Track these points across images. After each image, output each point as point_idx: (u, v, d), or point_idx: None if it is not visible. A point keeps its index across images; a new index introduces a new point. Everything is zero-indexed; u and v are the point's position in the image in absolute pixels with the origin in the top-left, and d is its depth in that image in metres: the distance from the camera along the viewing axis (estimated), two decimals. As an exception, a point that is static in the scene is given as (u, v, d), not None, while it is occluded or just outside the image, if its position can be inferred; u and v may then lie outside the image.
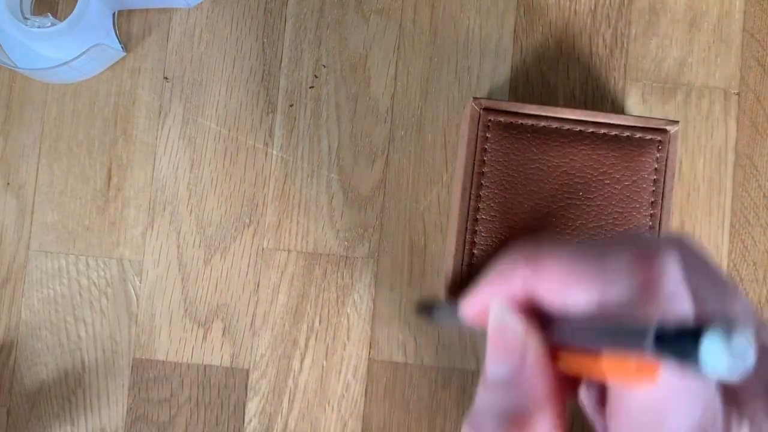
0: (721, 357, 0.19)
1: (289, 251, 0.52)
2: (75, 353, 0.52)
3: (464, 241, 0.45)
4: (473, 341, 0.51)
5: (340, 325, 0.52)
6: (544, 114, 0.45)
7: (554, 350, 0.27)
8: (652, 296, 0.24)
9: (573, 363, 0.26)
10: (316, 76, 0.53)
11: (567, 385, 0.28)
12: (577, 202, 0.45)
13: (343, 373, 0.52)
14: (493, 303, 0.29)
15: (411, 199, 0.52)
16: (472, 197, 0.45)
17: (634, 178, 0.45)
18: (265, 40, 0.53)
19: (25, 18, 0.52)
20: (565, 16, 0.53)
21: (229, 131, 0.53)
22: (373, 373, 0.52)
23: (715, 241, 0.51)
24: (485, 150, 0.45)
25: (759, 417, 0.25)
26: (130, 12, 0.54)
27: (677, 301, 0.24)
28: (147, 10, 0.54)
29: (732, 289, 0.27)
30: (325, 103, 0.53)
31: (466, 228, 0.45)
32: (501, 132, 0.45)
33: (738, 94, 0.53)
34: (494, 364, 0.28)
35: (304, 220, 0.52)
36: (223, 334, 0.52)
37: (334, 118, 0.53)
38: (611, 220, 0.45)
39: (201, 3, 0.54)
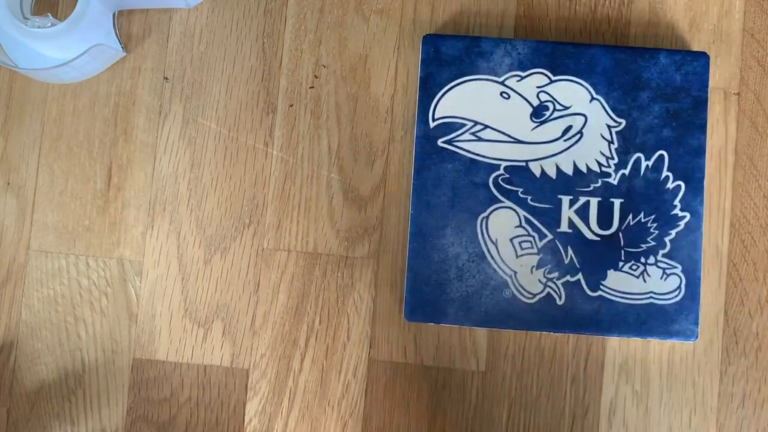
0: None
1: (289, 251, 0.52)
2: (75, 353, 0.52)
3: None
4: (473, 341, 0.51)
5: (340, 325, 0.52)
6: None
7: None
8: None
9: None
10: (316, 76, 0.53)
11: None
12: None
13: (343, 373, 0.52)
14: None
15: (411, 199, 0.52)
16: None
17: None
18: (265, 40, 0.53)
19: (25, 18, 0.52)
20: (565, 16, 0.53)
21: (229, 131, 0.53)
22: (373, 373, 0.52)
23: (715, 241, 0.51)
24: None
25: None
26: (130, 12, 0.54)
27: None
28: (147, 11, 0.54)
29: None
30: (325, 103, 0.53)
31: None
32: None
33: (738, 94, 0.53)
34: None
35: (304, 220, 0.52)
36: (223, 334, 0.52)
37: (334, 118, 0.53)
38: None
39: (201, 3, 0.54)
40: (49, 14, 0.51)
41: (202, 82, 0.53)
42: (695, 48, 0.53)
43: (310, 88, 0.53)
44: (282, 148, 0.53)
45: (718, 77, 0.53)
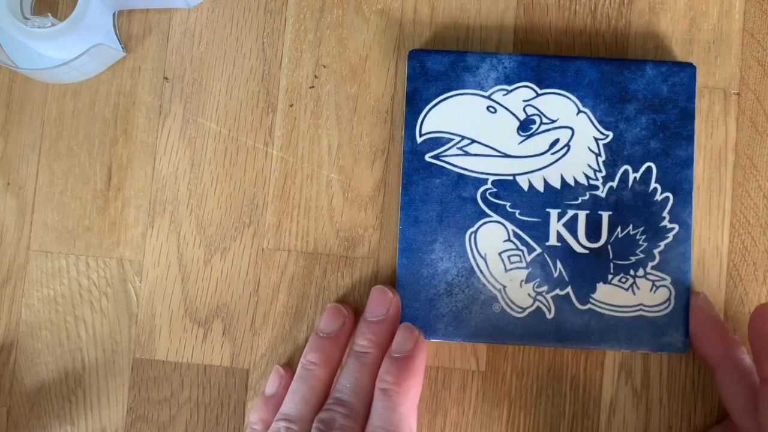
0: None
1: (289, 251, 0.52)
2: (75, 353, 0.52)
3: None
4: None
5: (340, 325, 0.52)
6: None
7: None
8: None
9: None
10: (316, 76, 0.53)
11: None
12: None
13: (343, 373, 0.52)
14: None
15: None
16: None
17: None
18: (265, 40, 0.53)
19: (25, 18, 0.52)
20: (565, 16, 0.53)
21: (229, 131, 0.53)
22: (373, 373, 0.51)
23: (715, 241, 0.51)
24: None
25: None
26: (130, 12, 0.54)
27: None
28: (147, 10, 0.54)
29: None
30: (325, 103, 0.53)
31: None
32: None
33: (738, 94, 0.53)
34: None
35: (304, 220, 0.52)
36: (223, 334, 0.52)
37: (334, 118, 0.53)
38: None
39: (201, 3, 0.54)
40: (49, 14, 0.51)
41: (202, 82, 0.53)
42: (695, 48, 0.53)
43: (310, 88, 0.53)
44: (282, 148, 0.53)
45: (719, 77, 0.53)
